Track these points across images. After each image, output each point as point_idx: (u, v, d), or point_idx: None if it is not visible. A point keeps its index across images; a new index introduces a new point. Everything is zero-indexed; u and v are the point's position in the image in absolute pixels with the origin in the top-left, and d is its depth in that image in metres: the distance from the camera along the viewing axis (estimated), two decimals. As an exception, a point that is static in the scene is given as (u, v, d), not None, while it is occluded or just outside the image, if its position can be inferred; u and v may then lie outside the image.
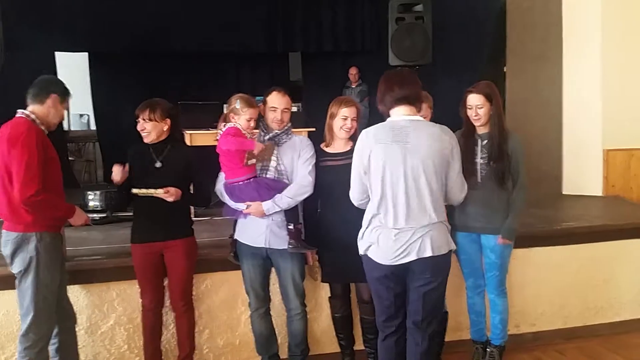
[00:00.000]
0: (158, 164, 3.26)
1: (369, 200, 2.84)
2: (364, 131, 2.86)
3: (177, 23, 7.53)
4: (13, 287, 3.24)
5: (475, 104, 3.35)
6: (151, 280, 3.34)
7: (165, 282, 3.42)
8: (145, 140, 3.28)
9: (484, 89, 3.38)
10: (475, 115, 3.36)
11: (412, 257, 2.74)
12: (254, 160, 3.23)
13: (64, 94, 3.09)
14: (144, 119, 3.23)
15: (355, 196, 2.92)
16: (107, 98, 7.83)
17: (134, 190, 3.19)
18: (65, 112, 3.20)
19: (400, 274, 2.81)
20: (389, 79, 2.88)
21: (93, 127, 8.52)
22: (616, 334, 4.13)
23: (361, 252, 2.89)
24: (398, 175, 2.72)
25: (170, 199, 3.17)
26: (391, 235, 2.74)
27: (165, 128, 3.27)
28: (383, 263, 2.78)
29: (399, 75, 2.92)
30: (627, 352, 3.87)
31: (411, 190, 2.71)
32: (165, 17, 7.45)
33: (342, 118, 3.29)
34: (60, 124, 3.36)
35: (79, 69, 7.98)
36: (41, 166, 2.85)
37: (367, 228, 2.84)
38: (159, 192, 3.15)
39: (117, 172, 3.23)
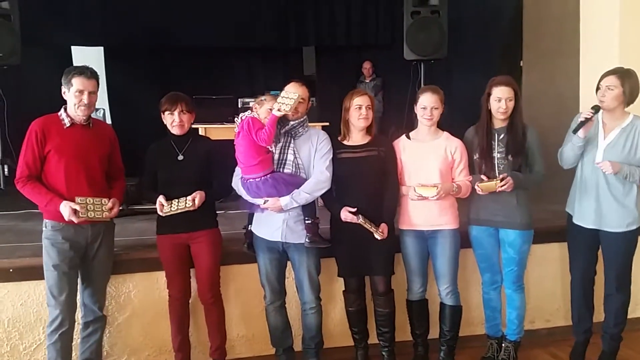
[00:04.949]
0: (180, 157, 3.28)
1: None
2: None
3: (190, 18, 7.54)
4: (30, 278, 3.29)
5: (506, 97, 3.28)
6: (179, 270, 3.37)
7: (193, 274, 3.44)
8: (179, 132, 3.29)
9: (513, 82, 3.33)
10: (505, 109, 3.29)
11: None
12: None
13: (65, 82, 3.07)
14: (181, 111, 3.25)
15: None
16: (123, 92, 7.85)
17: (164, 212, 3.16)
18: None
19: None
20: None
21: (109, 120, 8.56)
22: (633, 330, 4.07)
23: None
24: None
25: (196, 207, 3.18)
26: None
27: (192, 120, 3.33)
28: None
29: None
30: (643, 348, 3.83)
31: None
32: (178, 11, 7.47)
33: (356, 108, 3.29)
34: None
35: (94, 64, 7.98)
36: (35, 157, 2.99)
37: None
38: (189, 207, 3.15)
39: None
